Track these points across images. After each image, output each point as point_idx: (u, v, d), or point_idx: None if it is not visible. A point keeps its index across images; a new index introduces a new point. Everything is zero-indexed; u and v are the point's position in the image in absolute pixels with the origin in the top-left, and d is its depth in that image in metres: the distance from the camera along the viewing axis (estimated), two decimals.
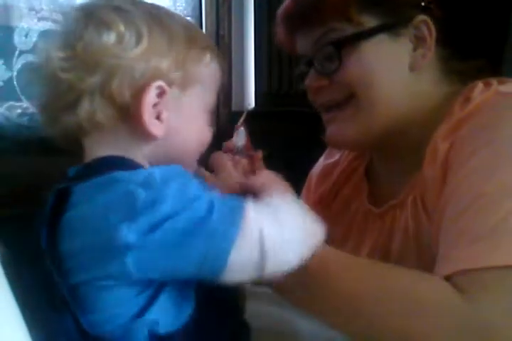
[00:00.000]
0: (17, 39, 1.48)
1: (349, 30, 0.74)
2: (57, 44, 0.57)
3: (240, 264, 0.50)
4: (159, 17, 0.59)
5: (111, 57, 0.55)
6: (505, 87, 0.69)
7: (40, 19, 1.50)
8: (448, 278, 0.58)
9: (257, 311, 0.57)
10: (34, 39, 1.48)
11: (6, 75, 1.46)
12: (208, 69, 0.63)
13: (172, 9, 1.79)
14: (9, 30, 1.49)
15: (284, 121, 0.87)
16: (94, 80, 0.55)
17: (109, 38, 0.56)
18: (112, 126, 0.57)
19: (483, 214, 0.59)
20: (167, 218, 0.49)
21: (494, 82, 0.70)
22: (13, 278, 0.57)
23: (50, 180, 0.57)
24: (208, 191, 0.55)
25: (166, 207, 0.49)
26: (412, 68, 0.75)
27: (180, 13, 1.80)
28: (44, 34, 1.49)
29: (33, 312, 0.53)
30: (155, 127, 0.57)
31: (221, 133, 0.77)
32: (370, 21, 0.73)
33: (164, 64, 0.58)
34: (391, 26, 0.74)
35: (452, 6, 0.77)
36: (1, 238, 0.63)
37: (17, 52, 1.47)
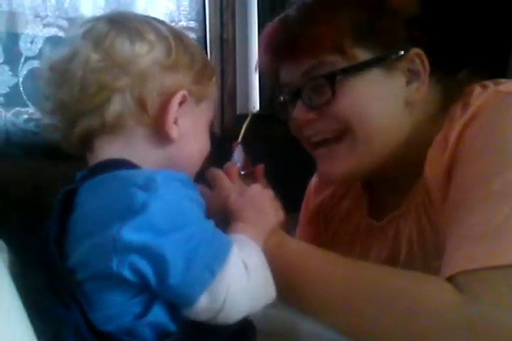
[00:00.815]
0: (23, 45, 1.49)
1: (341, 63, 0.71)
2: (89, 47, 0.59)
3: (201, 307, 0.51)
4: (181, 36, 0.65)
5: (143, 64, 0.59)
6: (503, 86, 0.69)
7: (45, 26, 1.51)
8: (451, 278, 0.57)
9: (260, 313, 0.57)
10: (39, 45, 1.49)
11: (12, 81, 1.47)
12: (213, 89, 0.69)
13: (176, 14, 1.79)
14: (15, 37, 1.50)
15: (287, 124, 0.87)
16: (127, 81, 0.59)
17: (142, 46, 0.60)
18: (133, 128, 0.60)
19: (488, 214, 0.59)
20: (158, 229, 0.50)
21: (490, 84, 0.70)
22: (21, 277, 0.58)
23: (56, 185, 0.58)
24: (202, 213, 0.56)
25: (160, 218, 0.50)
26: (407, 102, 0.73)
27: (185, 18, 1.81)
28: (49, 40, 1.50)
29: (41, 310, 0.54)
30: (173, 131, 0.61)
31: (226, 137, 0.77)
32: (363, 55, 0.72)
33: (188, 77, 0.63)
34: (385, 60, 0.72)
35: (439, 34, 0.75)
36: (8, 241, 0.63)
37: (23, 59, 1.48)
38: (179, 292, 0.51)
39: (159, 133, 0.61)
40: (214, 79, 0.69)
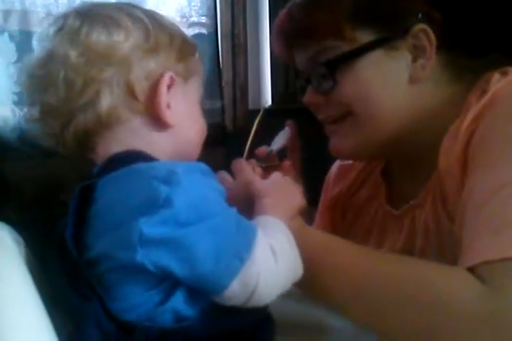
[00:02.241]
0: (35, 44, 1.50)
1: (343, 47, 0.72)
2: (65, 44, 0.58)
3: (232, 293, 0.52)
4: (156, 15, 0.63)
5: (124, 51, 0.58)
6: None
7: None
8: (472, 269, 0.57)
9: (285, 308, 0.58)
10: None
11: None
12: (198, 63, 0.67)
13: (187, 9, 1.79)
14: (28, 35, 1.51)
15: (302, 119, 0.86)
16: (112, 71, 0.57)
17: (119, 34, 0.58)
18: (129, 118, 0.60)
19: (507, 205, 0.58)
20: (184, 222, 0.50)
21: (511, 70, 0.69)
22: (39, 272, 0.59)
23: (70, 182, 0.58)
24: (225, 201, 0.56)
25: (184, 210, 0.50)
26: (412, 81, 0.72)
27: (196, 13, 1.81)
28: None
29: (62, 303, 0.55)
30: (168, 116, 0.60)
31: (239, 132, 0.78)
32: (364, 37, 0.71)
33: (171, 56, 0.62)
34: (387, 40, 0.71)
35: (453, 8, 0.74)
36: (25, 237, 0.64)
37: None
38: (210, 281, 0.52)
39: (156, 120, 0.60)
40: (197, 55, 0.67)
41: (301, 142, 0.84)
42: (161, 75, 0.60)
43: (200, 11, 1.81)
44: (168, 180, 0.51)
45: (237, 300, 0.53)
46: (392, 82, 0.73)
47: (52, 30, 0.60)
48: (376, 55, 0.72)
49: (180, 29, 0.66)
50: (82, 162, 0.64)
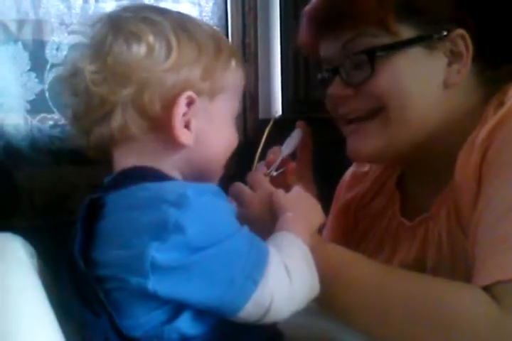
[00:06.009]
0: (48, 53, 1.52)
1: (383, 37, 0.70)
2: (87, 57, 0.58)
3: (246, 314, 0.52)
4: (187, 26, 0.60)
5: (142, 70, 0.56)
6: None
7: (70, 33, 1.53)
8: (487, 288, 0.56)
9: (294, 322, 0.57)
10: (64, 52, 1.51)
11: (38, 88, 1.50)
12: (233, 76, 0.64)
13: (198, 18, 1.80)
14: (41, 44, 1.53)
15: (312, 128, 0.86)
16: (126, 93, 0.56)
17: (140, 50, 0.57)
18: (143, 136, 0.59)
19: None
20: (197, 247, 0.50)
21: None
22: (51, 284, 0.59)
23: (81, 191, 0.59)
24: (239, 224, 0.55)
25: (196, 235, 0.50)
26: (446, 84, 0.71)
27: (207, 23, 1.81)
28: (74, 47, 1.52)
29: (71, 316, 0.56)
30: (185, 136, 0.59)
31: (249, 142, 0.77)
32: (406, 32, 0.70)
33: (194, 74, 0.59)
34: (427, 39, 0.70)
35: (486, 18, 0.73)
36: (38, 246, 0.64)
37: (48, 66, 1.50)
38: (223, 304, 0.51)
39: (172, 138, 0.59)
40: (233, 65, 0.63)
41: (312, 147, 0.82)
42: (178, 95, 0.57)
43: (212, 21, 1.82)
44: (179, 203, 0.50)
45: (251, 319, 0.52)
46: (427, 82, 0.71)
47: (82, 40, 0.61)
48: (415, 52, 0.71)
49: (218, 38, 0.62)
50: (93, 170, 0.64)
